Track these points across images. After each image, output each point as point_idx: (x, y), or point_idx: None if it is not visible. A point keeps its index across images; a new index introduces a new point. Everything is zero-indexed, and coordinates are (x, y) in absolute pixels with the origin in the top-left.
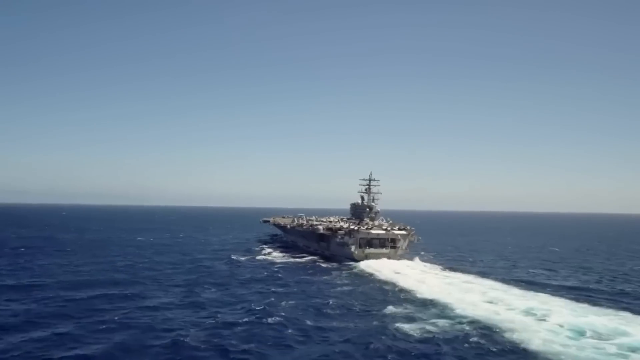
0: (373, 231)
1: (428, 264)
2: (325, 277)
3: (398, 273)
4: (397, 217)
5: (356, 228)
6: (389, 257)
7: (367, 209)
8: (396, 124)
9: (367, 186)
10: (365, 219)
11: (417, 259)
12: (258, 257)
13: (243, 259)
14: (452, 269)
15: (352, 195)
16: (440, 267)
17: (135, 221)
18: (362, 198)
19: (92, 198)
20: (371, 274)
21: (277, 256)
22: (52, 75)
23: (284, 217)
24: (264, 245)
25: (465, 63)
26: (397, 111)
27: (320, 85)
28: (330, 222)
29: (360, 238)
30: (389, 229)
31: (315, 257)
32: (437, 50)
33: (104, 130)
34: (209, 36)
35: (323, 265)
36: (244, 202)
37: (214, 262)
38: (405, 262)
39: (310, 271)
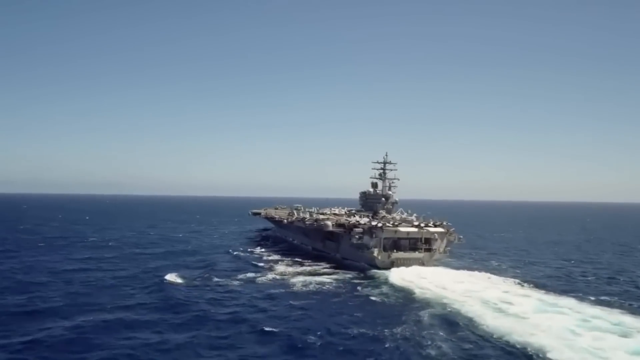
0: (401, 229)
1: (509, 279)
2: (400, 330)
3: (502, 312)
4: (414, 209)
5: (380, 225)
6: (422, 264)
7: (383, 199)
8: (393, 114)
9: (381, 170)
10: (380, 211)
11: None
12: (245, 274)
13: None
14: (594, 300)
15: (351, 183)
16: (550, 292)
17: (111, 214)
18: (375, 185)
19: (85, 188)
20: (459, 315)
21: (277, 270)
22: (43, 66)
23: (277, 209)
24: (254, 249)
25: (482, 50)
26: (393, 101)
27: (311, 75)
28: (336, 215)
29: (385, 238)
30: (421, 225)
31: (345, 274)
32: (454, 37)
33: (95, 120)
34: (203, 26)
35: (369, 294)
36: (231, 191)
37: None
38: (482, 277)
39: (357, 311)
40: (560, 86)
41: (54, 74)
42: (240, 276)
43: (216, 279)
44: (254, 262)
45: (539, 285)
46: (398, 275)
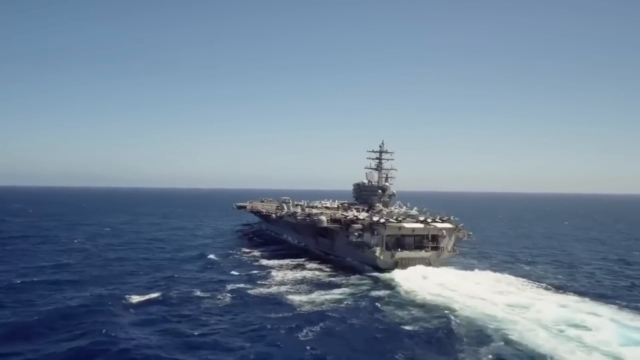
0: (406, 225)
1: (559, 289)
2: None
3: (578, 342)
4: (412, 201)
5: (382, 220)
6: (428, 264)
7: (379, 191)
8: (388, 103)
9: (377, 160)
10: (376, 205)
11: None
12: (235, 285)
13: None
14: None
15: (341, 174)
16: (623, 308)
17: (89, 207)
18: (369, 176)
19: (69, 181)
20: None
21: (270, 279)
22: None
23: (263, 201)
24: (241, 249)
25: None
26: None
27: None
28: (328, 208)
29: (388, 235)
30: (428, 220)
31: (357, 286)
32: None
33: (80, 112)
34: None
35: (399, 320)
36: (214, 183)
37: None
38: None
39: (394, 351)
40: (560, 74)
41: (37, 67)
42: (229, 287)
43: (198, 294)
44: (242, 270)
45: (603, 298)
46: (418, 285)
